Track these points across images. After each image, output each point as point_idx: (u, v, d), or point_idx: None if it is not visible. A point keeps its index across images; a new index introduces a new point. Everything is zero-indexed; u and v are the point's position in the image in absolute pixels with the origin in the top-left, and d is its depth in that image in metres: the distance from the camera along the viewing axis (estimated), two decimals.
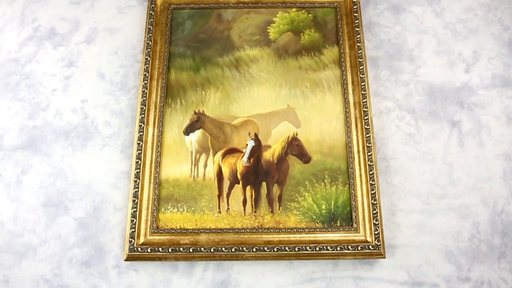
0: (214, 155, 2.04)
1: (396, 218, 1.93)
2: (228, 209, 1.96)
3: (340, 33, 2.18)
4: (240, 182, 2.00)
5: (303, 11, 2.24)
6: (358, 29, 2.16)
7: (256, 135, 2.01)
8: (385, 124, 2.06)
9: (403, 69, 2.14)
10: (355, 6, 2.20)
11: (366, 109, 2.02)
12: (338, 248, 1.87)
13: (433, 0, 2.26)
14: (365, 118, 2.01)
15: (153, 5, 2.25)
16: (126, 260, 1.87)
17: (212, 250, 1.88)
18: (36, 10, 2.33)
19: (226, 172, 2.00)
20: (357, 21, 2.17)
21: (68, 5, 2.33)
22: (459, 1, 2.25)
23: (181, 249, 1.89)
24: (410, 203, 1.95)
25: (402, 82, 2.12)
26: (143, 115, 2.05)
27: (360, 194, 1.94)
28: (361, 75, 2.07)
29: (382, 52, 2.18)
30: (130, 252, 1.89)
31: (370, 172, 1.95)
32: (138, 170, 1.98)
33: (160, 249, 1.89)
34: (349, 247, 1.87)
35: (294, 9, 2.25)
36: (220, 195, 1.98)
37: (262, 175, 1.99)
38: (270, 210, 1.95)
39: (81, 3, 2.33)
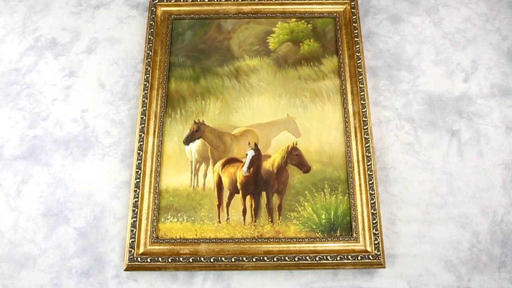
0: (214, 164, 2.04)
1: (396, 227, 1.93)
2: (228, 218, 1.96)
3: (340, 43, 2.19)
4: (240, 191, 2.00)
5: (303, 21, 2.26)
6: (357, 39, 2.17)
7: (256, 144, 2.02)
8: (384, 134, 2.06)
9: (402, 79, 2.15)
10: (354, 16, 2.21)
11: (366, 119, 2.03)
12: (338, 258, 1.87)
13: (432, 10, 2.28)
14: (365, 127, 2.02)
15: (154, 16, 2.26)
16: (125, 270, 1.87)
17: (212, 260, 1.88)
18: (37, 21, 2.35)
19: (226, 181, 2.00)
20: (356, 31, 2.18)
21: (69, 16, 2.34)
22: (457, 11, 2.27)
23: (181, 259, 1.89)
24: (410, 213, 1.95)
25: (401, 91, 2.13)
26: (143, 125, 2.06)
27: (359, 203, 1.94)
28: (360, 85, 2.08)
29: (381, 62, 2.19)
30: (129, 262, 1.88)
31: (370, 182, 1.95)
32: (138, 180, 1.98)
33: (160, 259, 1.89)
34: (349, 257, 1.87)
35: (293, 19, 2.26)
36: (220, 204, 1.98)
37: (262, 184, 2.00)
38: (270, 219, 1.95)
39: (82, 13, 2.35)
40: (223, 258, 1.88)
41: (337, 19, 2.24)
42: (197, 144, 2.07)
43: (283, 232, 1.93)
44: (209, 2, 2.30)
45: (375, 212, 1.90)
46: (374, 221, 1.90)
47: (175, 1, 2.30)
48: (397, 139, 2.05)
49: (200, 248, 1.90)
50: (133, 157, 2.03)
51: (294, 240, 1.91)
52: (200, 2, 2.30)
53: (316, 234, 1.92)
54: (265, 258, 1.87)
